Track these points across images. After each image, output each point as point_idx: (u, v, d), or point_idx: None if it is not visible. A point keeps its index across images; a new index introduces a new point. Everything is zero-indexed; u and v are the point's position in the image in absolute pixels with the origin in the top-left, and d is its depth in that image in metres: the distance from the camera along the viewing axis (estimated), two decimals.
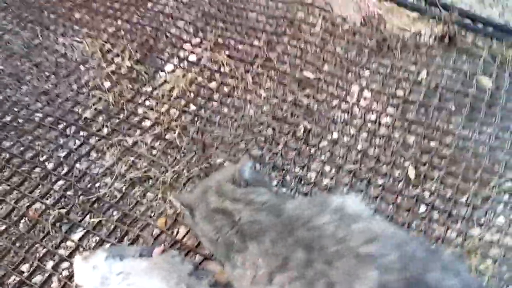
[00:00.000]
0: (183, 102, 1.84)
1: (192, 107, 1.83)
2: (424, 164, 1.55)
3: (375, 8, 2.09)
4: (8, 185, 1.63)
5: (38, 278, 1.40)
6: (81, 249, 1.45)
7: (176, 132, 1.73)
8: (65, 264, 1.43)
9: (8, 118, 1.85)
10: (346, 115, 1.74)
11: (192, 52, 2.01)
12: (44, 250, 1.46)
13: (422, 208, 1.46)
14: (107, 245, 1.44)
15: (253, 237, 1.09)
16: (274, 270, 1.03)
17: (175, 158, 1.65)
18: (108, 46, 2.06)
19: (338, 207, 1.12)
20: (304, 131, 1.70)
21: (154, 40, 2.07)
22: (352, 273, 0.97)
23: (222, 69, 1.94)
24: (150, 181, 1.60)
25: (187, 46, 2.04)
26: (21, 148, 1.75)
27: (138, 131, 1.76)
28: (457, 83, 1.76)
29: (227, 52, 1.98)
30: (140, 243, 1.45)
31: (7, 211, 1.56)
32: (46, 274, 1.40)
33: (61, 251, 1.46)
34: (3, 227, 1.53)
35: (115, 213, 1.54)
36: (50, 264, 1.43)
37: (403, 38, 1.95)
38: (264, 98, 1.82)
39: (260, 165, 1.62)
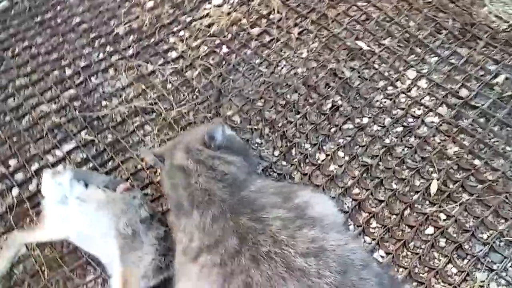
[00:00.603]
0: (217, 41, 1.85)
1: (224, 49, 1.83)
2: (455, 183, 1.42)
3: None
4: (25, 81, 1.80)
5: (20, 176, 1.57)
6: (66, 160, 1.58)
7: (197, 71, 1.76)
8: (54, 169, 1.56)
9: (48, 15, 2.02)
10: (388, 101, 1.62)
11: None
12: (34, 152, 1.61)
13: (430, 230, 1.35)
14: (90, 165, 1.55)
15: (200, 206, 1.11)
16: (203, 248, 1.05)
17: (186, 98, 1.69)
18: None
19: (300, 205, 1.08)
20: (331, 107, 1.63)
21: None
22: (275, 283, 0.94)
23: (271, 16, 1.90)
24: (153, 114, 1.67)
25: None
26: (49, 48, 1.90)
27: (161, 60, 1.82)
28: None
29: None
30: (119, 172, 1.54)
31: (16, 105, 1.74)
32: (28, 175, 1.56)
33: (49, 158, 1.60)
34: (8, 118, 1.70)
35: (109, 136, 1.64)
36: (34, 167, 1.58)
37: (496, 28, 1.73)
38: (303, 59, 1.76)
39: (270, 130, 1.59)
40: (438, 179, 1.43)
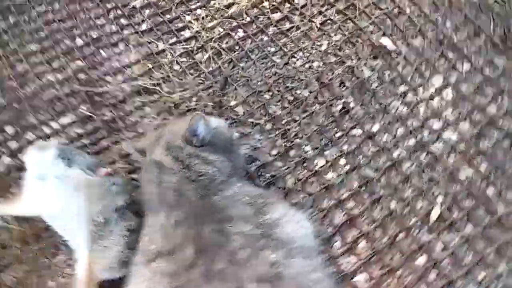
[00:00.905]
0: (234, 24, 1.80)
1: (240, 33, 1.79)
2: (461, 211, 1.32)
3: None
4: (35, 47, 1.83)
5: (13, 145, 1.61)
6: (61, 134, 1.61)
7: (207, 54, 1.72)
8: (41, 143, 1.60)
9: None
10: (405, 109, 1.53)
11: None
12: (32, 121, 1.64)
13: (421, 259, 1.27)
14: (83, 141, 1.58)
15: (167, 207, 1.10)
16: (161, 252, 1.03)
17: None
18: None
19: (269, 222, 1.04)
20: (342, 109, 1.55)
21: None
22: None
23: (296, 0, 1.82)
24: (155, 96, 1.66)
25: None
26: (65, 15, 1.92)
27: (173, 39, 1.80)
28: None
29: None
30: (107, 153, 1.55)
31: (23, 71, 1.77)
32: (21, 144, 1.60)
33: (45, 129, 1.63)
34: (14, 84, 1.74)
35: (107, 114, 1.65)
36: (30, 137, 1.61)
37: None
38: (321, 52, 1.68)
39: (272, 126, 1.55)
40: (442, 204, 1.34)
